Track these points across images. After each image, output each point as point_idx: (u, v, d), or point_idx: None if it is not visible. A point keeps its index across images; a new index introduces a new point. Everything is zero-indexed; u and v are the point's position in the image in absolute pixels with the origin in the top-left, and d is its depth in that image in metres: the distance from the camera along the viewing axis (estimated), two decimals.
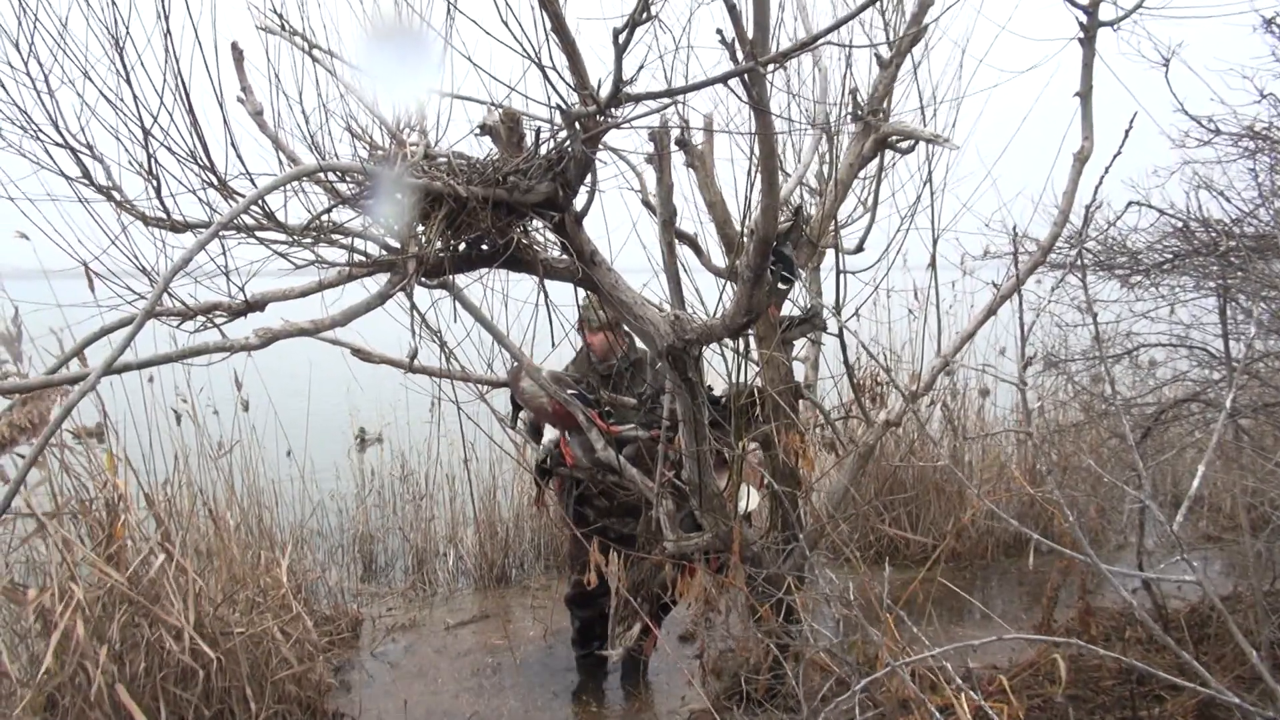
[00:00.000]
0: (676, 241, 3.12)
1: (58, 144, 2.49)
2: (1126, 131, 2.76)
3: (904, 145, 3.87)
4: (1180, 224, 4.51)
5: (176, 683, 3.24)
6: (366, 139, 2.41)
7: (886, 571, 2.98)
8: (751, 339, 3.69)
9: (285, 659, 3.74)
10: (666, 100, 2.24)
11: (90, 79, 2.29)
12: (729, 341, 3.53)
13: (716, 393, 3.59)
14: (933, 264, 4.39)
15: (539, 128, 2.26)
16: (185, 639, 3.08)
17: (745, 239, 2.78)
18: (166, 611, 3.08)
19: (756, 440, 3.63)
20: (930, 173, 3.86)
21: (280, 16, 2.68)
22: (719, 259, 4.02)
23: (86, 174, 2.52)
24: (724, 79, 2.09)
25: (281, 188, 2.28)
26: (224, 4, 2.31)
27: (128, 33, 2.36)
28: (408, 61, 2.35)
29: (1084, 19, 3.25)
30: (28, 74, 2.44)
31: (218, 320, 2.33)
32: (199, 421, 4.25)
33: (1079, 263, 3.54)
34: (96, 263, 2.57)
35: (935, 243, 4.12)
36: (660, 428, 3.41)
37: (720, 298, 3.34)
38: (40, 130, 2.48)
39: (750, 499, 3.64)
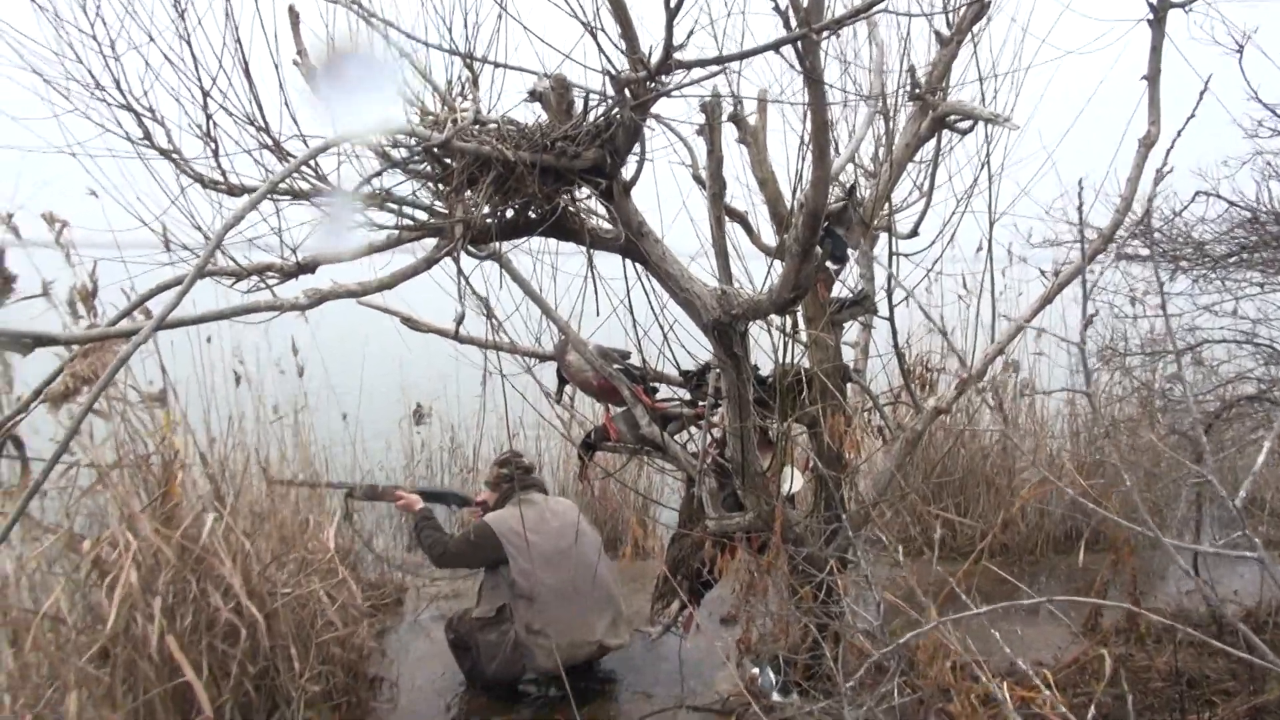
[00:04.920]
0: (726, 219, 3.10)
1: (122, 106, 2.56)
2: (1191, 113, 2.68)
3: (963, 125, 3.79)
4: (1250, 215, 4.37)
5: (224, 639, 3.32)
6: (418, 104, 2.43)
7: (932, 553, 2.94)
8: (800, 319, 3.66)
9: (330, 621, 3.81)
10: (717, 68, 2.22)
11: (155, 42, 2.33)
12: (776, 319, 3.50)
13: (763, 373, 3.57)
14: (988, 249, 4.29)
15: (588, 94, 2.25)
16: (233, 597, 3.16)
17: (795, 213, 2.75)
18: (217, 569, 3.16)
19: (801, 421, 3.60)
20: (989, 155, 3.78)
21: None
22: (770, 239, 3.98)
23: (148, 136, 2.58)
24: (776, 45, 2.07)
25: (334, 151, 2.32)
26: None
27: None
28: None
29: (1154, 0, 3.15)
30: (94, 38, 2.51)
31: (270, 281, 2.37)
32: (254, 385, 4.35)
33: (1132, 249, 3.44)
34: (157, 223, 2.66)
35: (991, 227, 4.03)
36: (705, 404, 3.40)
37: (767, 276, 3.31)
38: (106, 93, 2.55)
39: (794, 480, 3.62)
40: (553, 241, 2.97)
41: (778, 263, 3.64)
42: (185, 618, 3.21)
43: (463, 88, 2.64)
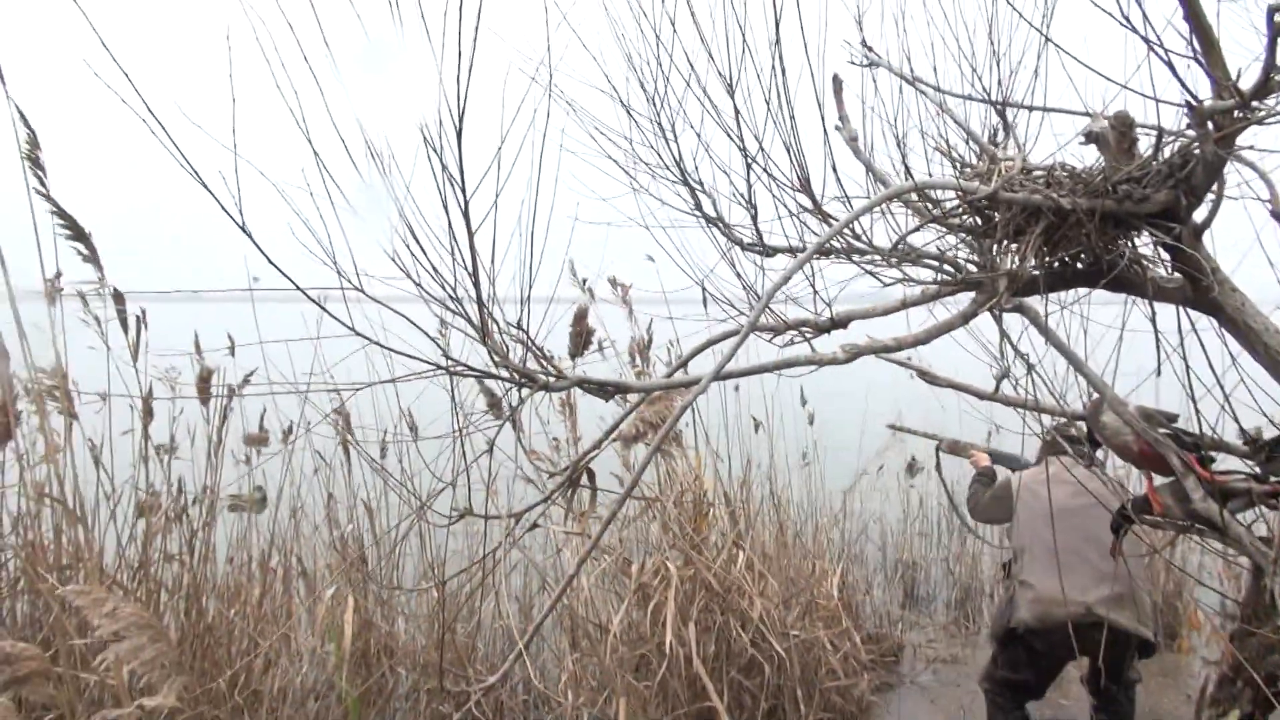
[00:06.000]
0: None
1: (678, 181, 2.89)
2: None
3: None
4: None
5: (740, 670, 3.52)
6: (957, 158, 2.39)
7: None
8: None
9: (832, 669, 3.86)
10: None
11: (718, 120, 2.59)
12: None
13: None
14: None
15: (1161, 129, 2.03)
16: (754, 631, 3.34)
17: None
18: (738, 604, 3.38)
19: None
20: None
21: (869, 48, 2.81)
22: None
23: (699, 206, 2.88)
24: None
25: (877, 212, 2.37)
26: (830, 43, 2.48)
27: (739, 76, 2.65)
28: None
29: None
30: (659, 123, 2.88)
31: (806, 334, 2.48)
32: (771, 431, 4.61)
33: None
34: (701, 284, 2.95)
35: None
36: None
37: None
38: (667, 171, 2.90)
39: None
40: (1081, 290, 2.73)
41: None
42: (708, 644, 3.47)
43: (995, 135, 2.55)
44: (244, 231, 1.66)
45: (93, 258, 2.93)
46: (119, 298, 3.07)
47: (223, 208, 1.60)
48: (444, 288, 2.03)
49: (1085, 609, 3.53)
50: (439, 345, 2.18)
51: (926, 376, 3.39)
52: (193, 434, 3.44)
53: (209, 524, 3.31)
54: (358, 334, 2.09)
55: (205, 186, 1.57)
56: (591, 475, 2.78)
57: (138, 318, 3.09)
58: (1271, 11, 1.72)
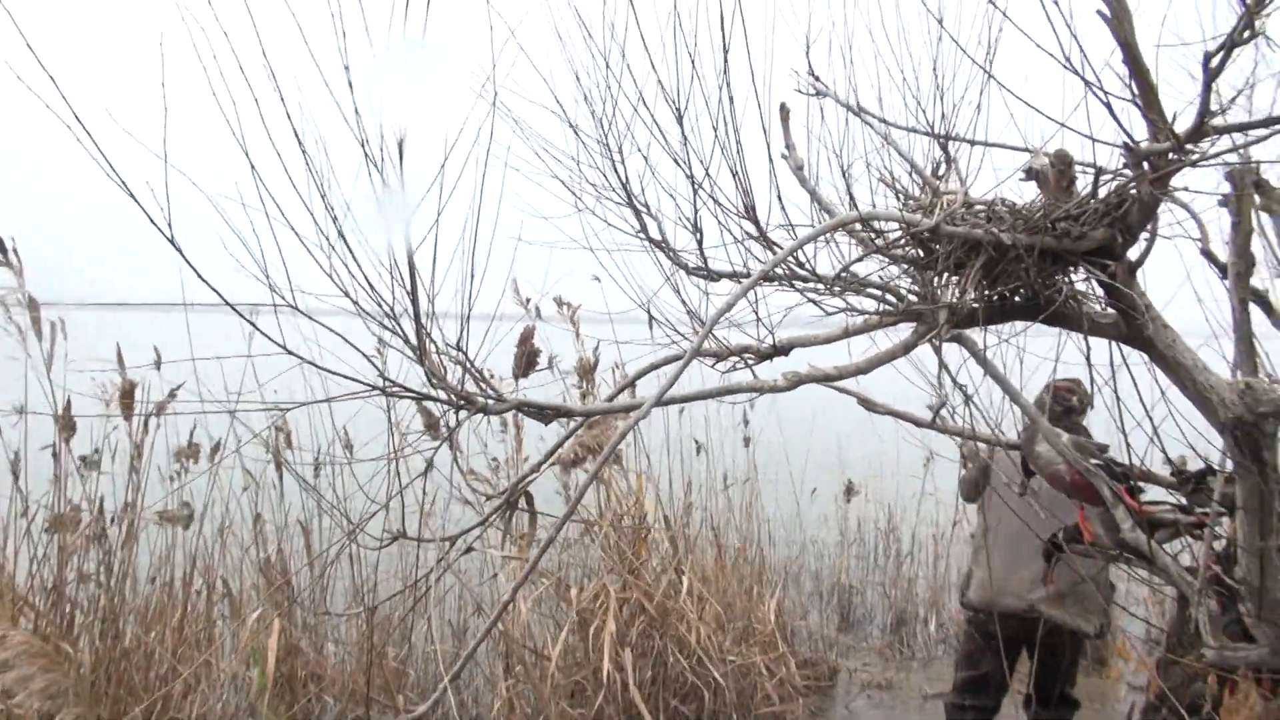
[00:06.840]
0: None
1: (623, 203, 2.87)
2: None
3: None
4: None
5: (676, 694, 3.48)
6: (901, 190, 2.41)
7: None
8: None
9: (768, 695, 3.85)
10: (1264, 131, 1.92)
11: (665, 146, 2.57)
12: None
13: None
14: None
15: (1099, 168, 2.07)
16: (692, 656, 3.31)
17: None
18: (677, 628, 3.34)
19: None
20: None
21: (816, 77, 2.83)
22: None
23: (644, 228, 2.86)
24: None
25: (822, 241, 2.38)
26: (777, 71, 2.49)
27: (688, 103, 2.65)
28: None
29: None
30: (606, 145, 2.85)
31: (748, 361, 2.48)
32: (712, 455, 4.59)
33: None
34: (645, 306, 2.93)
35: None
36: (1208, 511, 2.92)
37: None
38: (613, 193, 2.88)
39: None
40: (1019, 323, 2.78)
41: None
42: (645, 669, 3.43)
43: (938, 168, 2.59)
44: (172, 244, 1.60)
45: (7, 263, 2.80)
46: (33, 305, 2.94)
47: (150, 219, 1.54)
48: (381, 305, 1.98)
49: (1029, 605, 3.65)
50: (375, 365, 2.11)
51: (867, 404, 3.41)
52: (114, 450, 3.31)
53: (128, 543, 3.18)
54: (290, 353, 2.03)
55: (132, 196, 1.51)
56: (530, 498, 2.73)
57: (53, 325, 2.96)
58: (1207, 57, 1.76)
